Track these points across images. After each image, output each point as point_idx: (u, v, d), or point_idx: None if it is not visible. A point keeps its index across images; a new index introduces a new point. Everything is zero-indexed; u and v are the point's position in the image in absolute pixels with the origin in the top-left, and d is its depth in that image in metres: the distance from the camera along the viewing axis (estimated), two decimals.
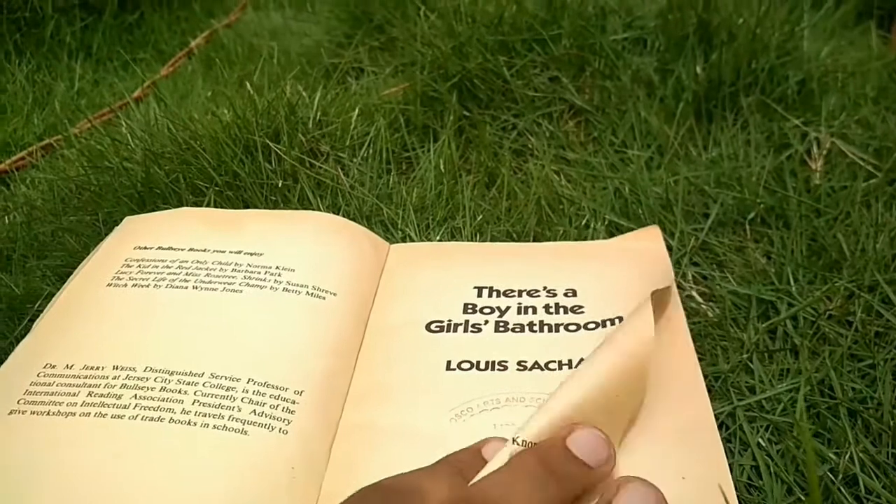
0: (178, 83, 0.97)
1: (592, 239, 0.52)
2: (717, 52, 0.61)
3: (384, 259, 0.50)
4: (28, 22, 1.03)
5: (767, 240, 0.50)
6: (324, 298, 0.44)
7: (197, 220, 0.51)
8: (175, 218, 0.52)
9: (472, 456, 0.31)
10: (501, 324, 0.44)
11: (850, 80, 0.63)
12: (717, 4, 0.64)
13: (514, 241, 0.53)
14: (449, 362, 0.41)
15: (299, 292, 0.44)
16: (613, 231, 0.52)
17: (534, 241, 0.53)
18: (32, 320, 0.49)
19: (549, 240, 0.53)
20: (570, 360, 0.40)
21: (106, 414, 0.36)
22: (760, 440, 0.38)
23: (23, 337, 0.46)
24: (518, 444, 0.31)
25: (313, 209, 0.54)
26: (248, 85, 0.61)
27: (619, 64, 0.65)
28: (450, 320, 0.44)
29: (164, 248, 0.48)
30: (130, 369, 0.38)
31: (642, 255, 0.48)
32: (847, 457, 0.36)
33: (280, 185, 0.54)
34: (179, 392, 0.37)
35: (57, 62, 1.03)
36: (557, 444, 0.30)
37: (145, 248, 0.48)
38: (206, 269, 0.45)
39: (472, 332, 0.43)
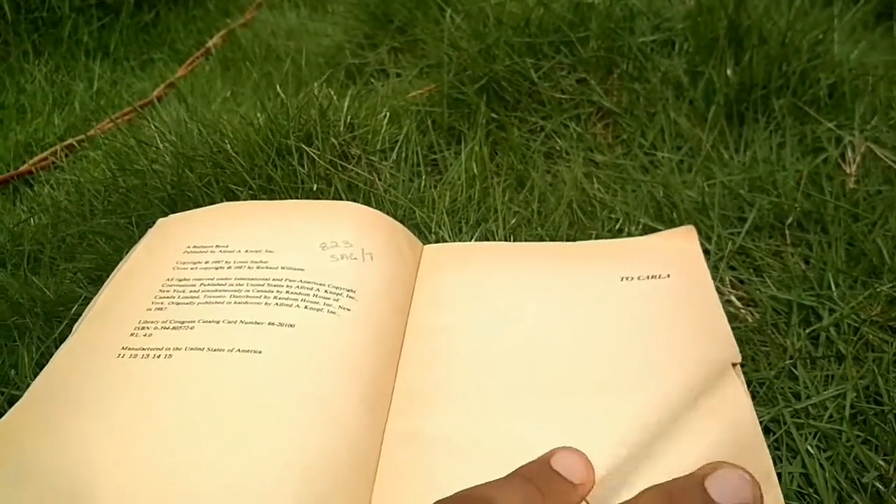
0: (196, 83, 0.97)
1: None
2: (748, 55, 0.61)
3: (419, 259, 0.50)
4: (46, 22, 1.03)
5: (805, 244, 0.50)
6: (359, 301, 0.44)
7: (231, 219, 0.51)
8: (211, 217, 0.51)
9: (542, 467, 0.31)
10: None
11: (880, 83, 0.62)
12: (748, 7, 0.63)
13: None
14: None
15: (338, 297, 0.44)
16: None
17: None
18: (70, 325, 0.49)
19: None
20: None
21: None
22: (809, 447, 0.37)
23: (62, 341, 0.46)
24: None
25: None
26: (278, 88, 0.60)
27: (647, 66, 0.65)
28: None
29: (198, 250, 0.48)
30: None
31: (678, 254, 0.48)
32: None
33: (314, 188, 0.54)
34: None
35: (75, 62, 1.03)
36: (542, 463, 0.31)
37: (189, 250, 0.49)
38: (245, 284, 0.45)
39: None
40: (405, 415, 0.39)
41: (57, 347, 0.48)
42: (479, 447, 0.37)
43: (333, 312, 0.43)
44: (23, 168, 0.77)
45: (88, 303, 0.51)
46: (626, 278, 0.47)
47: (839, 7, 0.68)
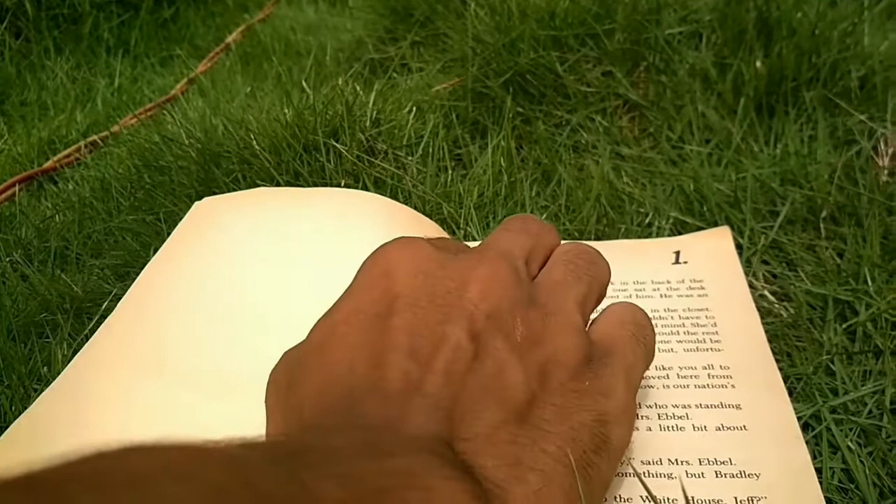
0: (217, 79, 0.97)
1: (657, 237, 0.51)
2: (777, 46, 0.60)
3: None
4: (66, 18, 1.04)
5: (839, 238, 0.49)
6: None
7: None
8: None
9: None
10: None
11: None
12: None
13: (575, 239, 0.52)
14: None
15: None
16: (679, 229, 0.52)
17: (595, 239, 0.52)
18: (99, 322, 0.49)
19: (611, 238, 0.52)
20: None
21: None
22: (850, 443, 0.37)
23: (90, 337, 0.46)
24: None
25: None
26: (303, 83, 0.60)
27: (674, 58, 0.65)
28: None
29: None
30: None
31: (712, 254, 0.48)
32: None
33: (342, 183, 0.54)
34: None
35: (96, 59, 1.04)
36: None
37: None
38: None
39: None
40: None
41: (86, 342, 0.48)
42: None
43: None
44: (47, 165, 0.77)
45: (117, 299, 0.51)
46: (657, 282, 0.46)
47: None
